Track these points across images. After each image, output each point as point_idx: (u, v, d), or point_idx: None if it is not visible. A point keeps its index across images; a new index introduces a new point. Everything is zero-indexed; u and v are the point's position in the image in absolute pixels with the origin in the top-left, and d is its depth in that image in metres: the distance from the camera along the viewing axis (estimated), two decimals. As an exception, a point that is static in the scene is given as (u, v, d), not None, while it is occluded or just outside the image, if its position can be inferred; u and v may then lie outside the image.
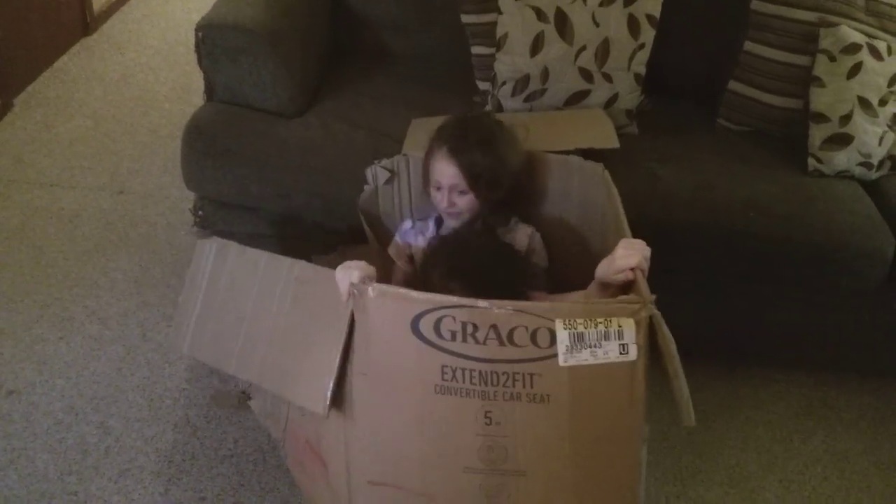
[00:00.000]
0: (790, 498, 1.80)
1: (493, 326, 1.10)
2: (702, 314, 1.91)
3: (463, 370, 1.12)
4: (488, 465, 1.15)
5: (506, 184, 1.59)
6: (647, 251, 1.25)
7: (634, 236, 1.34)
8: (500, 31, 1.96)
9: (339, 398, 1.21)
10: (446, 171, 1.56)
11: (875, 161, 1.93)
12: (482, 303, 1.10)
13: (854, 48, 1.89)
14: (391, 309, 1.14)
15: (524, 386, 1.12)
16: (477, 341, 1.11)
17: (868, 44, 1.90)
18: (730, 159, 1.96)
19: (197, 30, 1.86)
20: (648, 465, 1.82)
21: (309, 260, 1.72)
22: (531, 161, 1.65)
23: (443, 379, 1.13)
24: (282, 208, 1.89)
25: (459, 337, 1.11)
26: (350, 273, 1.17)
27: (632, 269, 1.22)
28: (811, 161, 1.95)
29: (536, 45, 1.93)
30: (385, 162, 1.69)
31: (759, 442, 1.92)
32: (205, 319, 1.49)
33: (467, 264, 1.41)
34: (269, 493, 1.70)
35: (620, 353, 1.11)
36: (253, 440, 1.79)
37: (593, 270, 1.33)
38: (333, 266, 1.43)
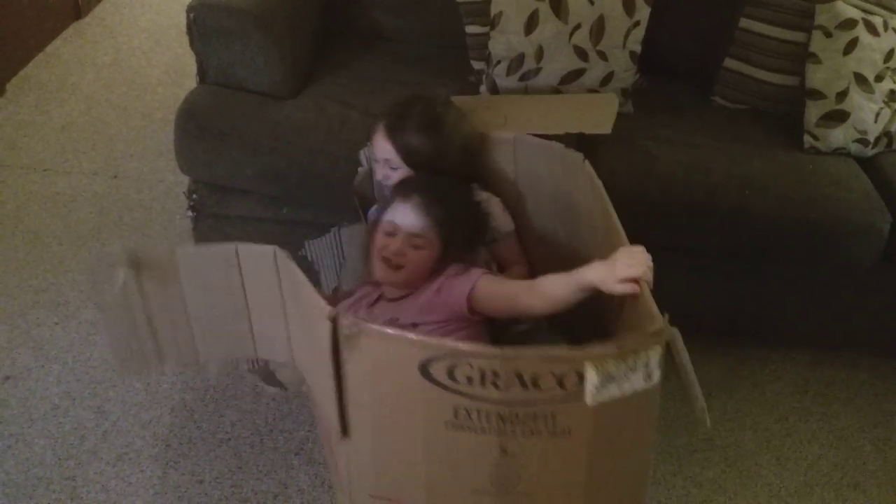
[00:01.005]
0: (787, 476, 1.80)
1: (517, 374, 1.03)
2: (698, 293, 1.91)
3: (479, 411, 1.05)
4: (499, 488, 1.11)
5: (447, 163, 1.57)
6: (650, 260, 1.17)
7: (628, 214, 1.32)
8: (494, 10, 1.95)
9: (339, 419, 1.17)
10: (382, 145, 1.58)
11: (871, 138, 1.92)
12: (504, 352, 1.03)
13: (850, 24, 1.88)
14: (392, 354, 1.07)
15: (546, 424, 1.06)
16: (497, 387, 1.03)
17: (864, 19, 1.89)
18: (726, 137, 1.95)
19: (188, 11, 1.85)
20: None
21: (302, 244, 1.73)
22: (487, 142, 1.64)
23: (456, 418, 1.07)
24: (276, 190, 1.88)
25: (477, 382, 1.03)
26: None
27: (636, 282, 1.15)
28: (807, 138, 1.94)
29: (531, 24, 1.91)
30: None
31: (755, 420, 1.93)
32: (202, 326, 1.37)
33: (432, 193, 1.45)
34: (267, 476, 1.70)
35: (645, 382, 1.06)
36: (251, 423, 1.80)
37: (567, 250, 1.29)
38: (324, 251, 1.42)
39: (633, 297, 1.16)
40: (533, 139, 1.60)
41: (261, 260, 1.22)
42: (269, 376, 1.57)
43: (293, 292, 1.20)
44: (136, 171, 2.57)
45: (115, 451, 1.72)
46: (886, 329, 1.97)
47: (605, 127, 1.69)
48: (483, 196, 1.61)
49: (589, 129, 1.66)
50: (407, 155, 1.56)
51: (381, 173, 1.61)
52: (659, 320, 1.08)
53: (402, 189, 1.50)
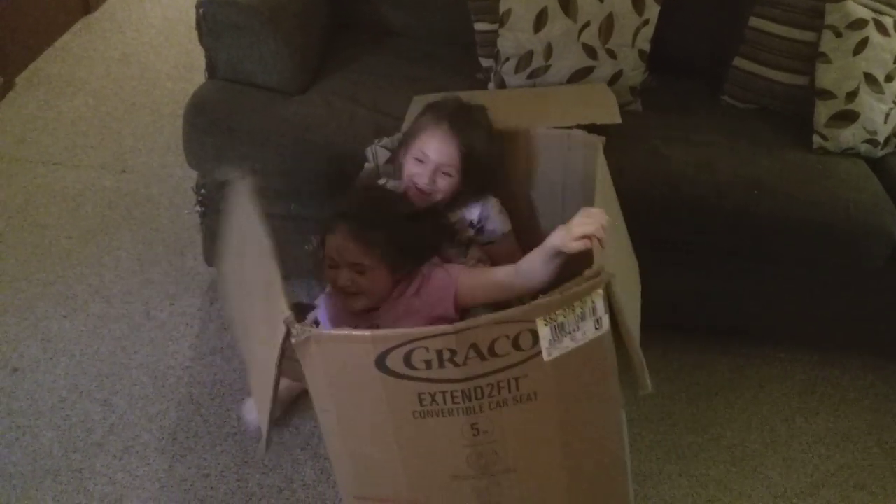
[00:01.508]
0: (793, 476, 1.80)
1: (473, 345, 1.05)
2: (705, 292, 1.91)
3: (443, 393, 1.07)
4: (478, 470, 1.13)
5: (486, 175, 1.57)
6: (605, 220, 1.20)
7: (637, 213, 1.33)
8: (503, 7, 1.95)
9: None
10: (442, 148, 1.52)
11: (881, 138, 1.92)
12: (457, 326, 1.04)
13: (860, 24, 1.87)
14: (345, 354, 1.07)
15: (510, 391, 1.09)
16: (456, 364, 1.05)
17: (874, 19, 1.88)
18: (734, 136, 1.94)
19: (198, 6, 1.85)
20: (651, 443, 1.84)
21: (309, 240, 1.73)
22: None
23: (421, 405, 1.08)
24: (283, 186, 1.88)
25: (436, 364, 1.05)
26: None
27: (588, 238, 1.18)
28: (816, 138, 1.93)
29: (540, 21, 1.91)
30: (385, 141, 1.69)
31: (762, 420, 1.92)
32: (230, 268, 1.44)
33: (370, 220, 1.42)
34: (273, 471, 1.70)
35: (596, 329, 1.09)
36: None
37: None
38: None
39: (588, 254, 1.18)
40: (549, 131, 1.62)
41: (260, 258, 1.22)
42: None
43: (266, 290, 1.19)
44: (144, 166, 2.58)
45: (121, 443, 1.73)
46: (895, 331, 1.96)
47: (614, 116, 1.69)
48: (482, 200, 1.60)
49: (600, 120, 1.66)
50: (467, 159, 1.52)
51: (426, 178, 1.54)
52: (598, 265, 1.09)
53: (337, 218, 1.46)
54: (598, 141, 1.54)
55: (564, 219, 1.54)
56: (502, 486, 1.15)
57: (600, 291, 1.07)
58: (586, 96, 1.86)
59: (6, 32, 2.83)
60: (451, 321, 1.34)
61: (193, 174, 2.00)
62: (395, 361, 1.05)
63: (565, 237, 1.22)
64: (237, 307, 1.41)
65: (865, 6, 1.90)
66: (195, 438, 1.76)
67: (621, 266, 1.26)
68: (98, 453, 1.71)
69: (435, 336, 1.03)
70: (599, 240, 1.17)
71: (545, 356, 1.07)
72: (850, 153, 1.93)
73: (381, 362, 1.05)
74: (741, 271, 1.92)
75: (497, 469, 1.13)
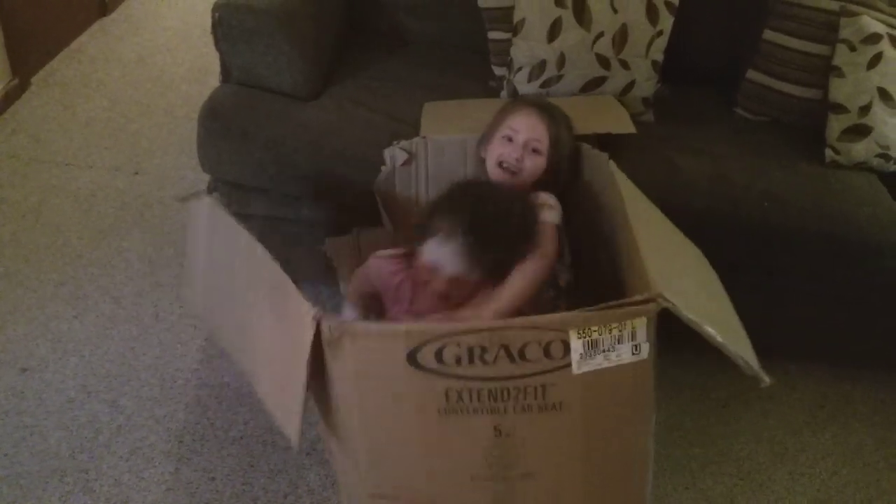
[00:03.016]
0: (800, 491, 1.79)
1: (504, 346, 1.05)
2: (715, 304, 1.90)
3: (470, 391, 1.08)
4: (497, 471, 1.13)
5: (565, 170, 1.58)
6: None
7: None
8: (517, 16, 1.95)
9: (329, 422, 1.18)
10: (533, 124, 1.53)
11: (894, 153, 1.91)
12: (491, 324, 1.06)
13: (875, 38, 1.87)
14: (378, 349, 1.08)
15: (536, 398, 1.09)
16: (486, 363, 1.06)
17: (889, 34, 1.87)
18: (747, 149, 1.94)
19: (214, 11, 1.86)
20: (657, 456, 1.83)
21: (323, 242, 1.73)
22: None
23: (447, 401, 1.09)
24: (297, 190, 1.88)
25: (466, 360, 1.06)
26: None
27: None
28: (829, 152, 1.93)
29: (553, 31, 1.92)
30: (404, 143, 1.69)
31: (771, 433, 1.91)
32: (209, 287, 1.43)
33: (480, 219, 1.35)
34: (278, 475, 1.70)
35: (633, 354, 1.08)
36: (263, 422, 1.80)
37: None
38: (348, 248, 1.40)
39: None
40: None
41: (254, 259, 1.22)
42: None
43: (273, 294, 1.19)
44: (157, 168, 2.59)
45: (128, 445, 1.74)
46: (907, 346, 1.95)
47: (628, 126, 1.69)
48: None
49: (615, 129, 1.66)
50: (554, 139, 1.53)
51: (517, 153, 1.53)
52: (649, 291, 1.08)
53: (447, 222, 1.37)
54: (603, 157, 1.53)
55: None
56: (520, 491, 1.14)
57: (644, 319, 1.06)
58: (598, 107, 1.86)
59: (22, 33, 2.86)
60: None
61: (206, 177, 2.01)
62: (426, 357, 1.06)
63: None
64: (228, 318, 1.38)
65: (880, 21, 1.90)
66: (202, 441, 1.76)
67: (689, 279, 1.26)
68: (105, 454, 1.71)
69: (468, 332, 1.05)
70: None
71: (574, 369, 1.06)
72: (862, 167, 1.92)
73: (412, 357, 1.06)
74: (752, 284, 1.91)
75: (516, 473, 1.13)
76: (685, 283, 1.23)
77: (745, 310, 1.94)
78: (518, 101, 1.63)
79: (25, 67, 2.93)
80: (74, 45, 3.27)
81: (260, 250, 1.19)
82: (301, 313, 1.07)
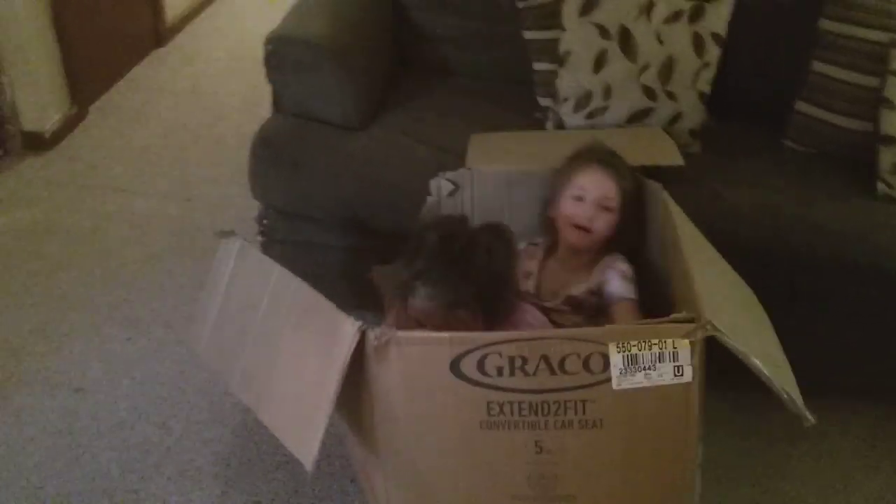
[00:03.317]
0: (851, 531, 1.74)
1: (544, 357, 1.06)
2: (763, 338, 1.87)
3: (511, 403, 1.09)
4: (538, 492, 1.13)
5: (636, 223, 1.58)
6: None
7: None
8: (562, 48, 1.97)
9: (368, 440, 1.18)
10: (602, 182, 1.53)
11: (948, 186, 1.87)
12: (531, 334, 1.08)
13: (927, 70, 1.84)
14: (422, 357, 1.10)
15: (576, 413, 1.09)
16: (526, 374, 1.07)
17: (942, 66, 1.85)
18: (795, 181, 1.92)
19: (266, 43, 1.91)
20: (703, 493, 1.80)
21: (369, 270, 1.75)
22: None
23: (489, 415, 1.09)
24: (345, 219, 1.92)
25: (507, 371, 1.07)
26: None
27: None
28: (880, 185, 1.90)
29: (599, 62, 1.93)
30: (450, 174, 1.71)
31: (820, 475, 1.86)
32: (220, 325, 1.44)
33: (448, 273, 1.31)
34: (323, 501, 1.71)
35: (675, 375, 1.07)
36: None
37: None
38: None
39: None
40: None
41: (288, 285, 1.25)
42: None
43: (304, 316, 1.20)
44: (208, 196, 2.65)
45: (177, 467, 1.76)
46: (960, 384, 1.90)
47: (676, 158, 1.69)
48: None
49: (664, 161, 1.66)
50: (624, 193, 1.53)
51: (590, 211, 1.53)
52: (692, 312, 1.09)
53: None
54: (657, 188, 1.54)
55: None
56: None
57: (685, 341, 1.06)
58: (646, 139, 1.86)
59: (82, 64, 2.96)
60: None
61: (256, 204, 2.05)
62: (469, 366, 1.07)
63: None
64: (238, 358, 1.37)
65: (932, 52, 1.88)
66: (248, 465, 1.78)
67: (739, 312, 1.26)
68: (154, 475, 1.74)
69: (509, 342, 1.07)
70: None
71: (614, 384, 1.07)
72: (915, 201, 1.89)
73: (455, 366, 1.08)
74: (800, 317, 1.88)
75: (557, 494, 1.13)
76: (735, 315, 1.22)
77: (793, 345, 1.91)
78: (579, 155, 1.59)
79: (84, 96, 3.03)
80: (130, 75, 3.37)
81: (295, 280, 1.22)
82: (339, 327, 1.10)
